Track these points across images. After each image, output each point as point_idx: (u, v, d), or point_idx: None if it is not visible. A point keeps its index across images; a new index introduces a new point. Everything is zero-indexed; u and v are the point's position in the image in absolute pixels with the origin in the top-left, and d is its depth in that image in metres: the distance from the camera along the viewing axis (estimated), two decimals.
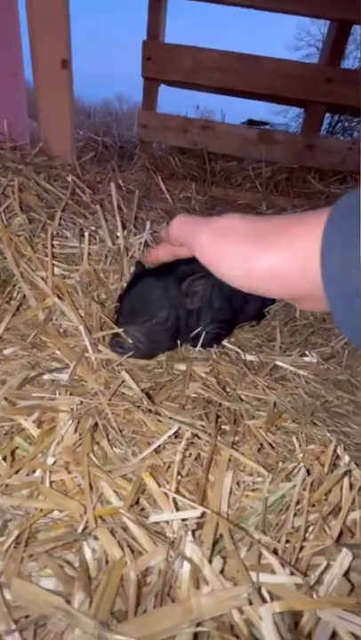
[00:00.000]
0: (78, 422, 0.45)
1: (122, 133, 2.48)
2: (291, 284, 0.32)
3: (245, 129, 2.01)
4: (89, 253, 0.81)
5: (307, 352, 0.79)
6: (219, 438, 0.48)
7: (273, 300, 1.05)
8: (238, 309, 0.88)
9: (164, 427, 0.48)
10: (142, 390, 0.55)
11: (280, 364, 0.74)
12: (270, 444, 0.50)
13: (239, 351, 0.80)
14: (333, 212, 0.28)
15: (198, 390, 0.64)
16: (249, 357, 0.78)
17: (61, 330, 0.65)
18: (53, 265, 0.73)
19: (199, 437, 0.47)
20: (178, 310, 0.72)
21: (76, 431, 0.44)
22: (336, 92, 1.89)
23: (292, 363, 0.74)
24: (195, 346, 0.79)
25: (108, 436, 0.45)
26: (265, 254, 0.32)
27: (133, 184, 1.66)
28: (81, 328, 0.60)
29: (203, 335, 0.77)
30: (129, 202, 1.27)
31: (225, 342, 0.85)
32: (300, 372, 0.72)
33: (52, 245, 0.74)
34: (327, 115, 2.57)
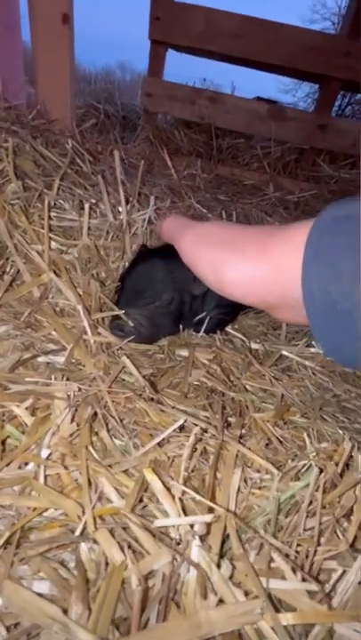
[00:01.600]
0: (76, 410, 0.41)
1: (125, 102, 2.34)
2: (264, 294, 0.31)
3: (256, 103, 1.89)
4: (89, 228, 0.75)
5: (313, 342, 0.76)
6: (226, 432, 0.45)
7: None
8: None
9: (167, 418, 0.45)
10: (144, 377, 0.52)
11: (286, 353, 0.71)
12: (279, 440, 0.47)
13: (244, 339, 0.77)
14: (317, 225, 0.27)
15: (201, 378, 0.61)
16: (254, 345, 0.74)
17: (58, 309, 0.61)
18: (50, 238, 0.68)
19: (205, 431, 0.44)
20: (182, 294, 0.67)
21: (72, 420, 0.40)
22: (354, 68, 1.78)
23: (298, 353, 0.71)
24: (198, 331, 0.75)
25: (107, 425, 0.42)
26: (238, 262, 0.32)
27: (136, 157, 1.57)
28: (79, 308, 0.55)
29: (207, 320, 0.74)
30: (131, 176, 1.19)
31: (229, 329, 0.81)
32: (307, 362, 0.69)
33: (50, 217, 0.68)
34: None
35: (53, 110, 1.45)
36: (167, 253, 0.69)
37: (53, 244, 0.70)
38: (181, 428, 0.46)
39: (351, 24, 1.78)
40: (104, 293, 0.67)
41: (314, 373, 0.68)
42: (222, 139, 2.00)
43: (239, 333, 0.79)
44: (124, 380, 0.52)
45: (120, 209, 0.84)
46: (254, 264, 0.31)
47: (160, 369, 0.60)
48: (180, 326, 0.71)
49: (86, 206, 0.70)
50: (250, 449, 0.44)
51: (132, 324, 0.59)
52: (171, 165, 1.37)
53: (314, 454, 0.43)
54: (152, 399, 0.48)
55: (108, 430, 0.41)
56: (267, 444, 0.46)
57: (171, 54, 2.02)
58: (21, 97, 1.53)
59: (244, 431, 0.49)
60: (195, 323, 0.75)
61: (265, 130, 1.91)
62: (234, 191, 1.72)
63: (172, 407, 0.49)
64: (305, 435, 0.46)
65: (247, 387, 0.59)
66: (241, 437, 0.48)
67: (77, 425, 0.39)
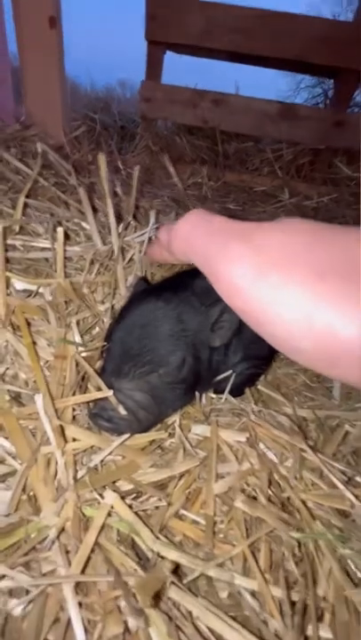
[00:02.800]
0: None
1: (123, 112, 2.19)
2: None
3: (264, 102, 1.71)
4: (67, 258, 0.56)
5: None
6: None
7: None
8: None
9: None
10: (139, 516, 0.31)
11: (350, 429, 0.49)
12: None
13: (284, 401, 0.56)
14: None
15: (231, 482, 0.40)
16: (300, 412, 0.53)
17: (14, 392, 0.40)
18: (8, 277, 0.48)
19: None
20: (198, 349, 0.47)
21: None
22: None
23: None
24: (220, 392, 0.54)
25: None
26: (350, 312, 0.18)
27: (135, 168, 1.40)
28: (37, 399, 0.35)
29: (232, 378, 0.53)
30: (128, 188, 1.01)
31: (260, 385, 0.60)
32: None
33: (6, 247, 0.49)
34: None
35: (42, 120, 1.29)
36: (173, 292, 0.49)
37: (17, 285, 0.51)
38: None
39: None
40: (87, 354, 0.47)
41: None
42: (228, 143, 1.82)
43: (275, 392, 0.58)
44: (110, 531, 0.31)
45: (111, 229, 0.64)
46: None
47: (167, 480, 0.39)
48: (197, 392, 0.51)
49: (60, 230, 0.50)
50: None
51: (123, 411, 0.38)
52: (174, 172, 1.18)
53: None
54: (157, 598, 0.26)
55: None
56: None
57: (169, 59, 1.87)
58: (8, 107, 1.39)
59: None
60: (216, 382, 0.54)
61: (275, 131, 1.72)
62: (244, 199, 1.54)
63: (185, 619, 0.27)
64: None
65: (308, 504, 0.38)
66: None
67: None
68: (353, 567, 0.31)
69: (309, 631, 0.26)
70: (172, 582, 0.26)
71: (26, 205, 0.64)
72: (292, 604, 0.27)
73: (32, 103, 1.32)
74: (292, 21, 1.55)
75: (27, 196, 0.62)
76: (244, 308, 0.22)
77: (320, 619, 0.27)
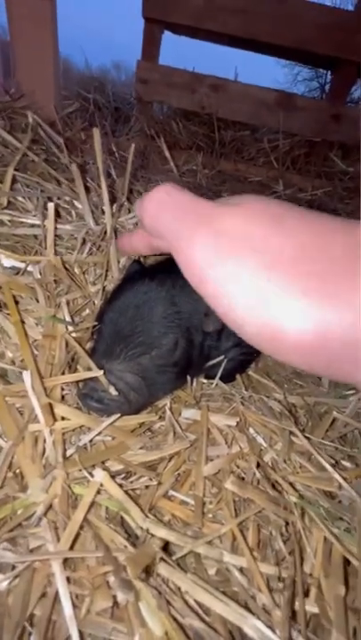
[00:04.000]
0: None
1: (117, 92, 2.12)
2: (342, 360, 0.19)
3: (263, 90, 1.68)
4: (57, 236, 0.54)
5: None
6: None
7: None
8: None
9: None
10: (129, 495, 0.31)
11: (337, 415, 0.50)
12: None
13: (274, 387, 0.56)
14: None
15: (223, 466, 0.40)
16: (290, 399, 0.54)
17: (0, 371, 0.39)
18: None
19: None
20: (191, 333, 0.46)
21: None
22: None
23: (354, 413, 0.51)
24: (211, 377, 0.54)
25: None
26: (314, 307, 0.19)
27: (128, 151, 1.36)
28: (26, 376, 0.34)
29: (223, 363, 0.53)
30: (122, 171, 0.98)
31: (251, 371, 0.61)
32: None
33: None
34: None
35: (33, 94, 1.23)
36: (167, 275, 0.48)
37: (5, 261, 0.49)
38: None
39: None
40: (78, 334, 0.46)
41: None
42: (225, 131, 1.79)
43: (266, 379, 0.58)
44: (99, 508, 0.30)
45: (104, 209, 0.62)
46: (343, 313, 0.18)
47: (157, 462, 0.39)
48: (188, 376, 0.50)
49: (50, 206, 0.48)
50: None
51: (114, 391, 0.38)
52: (170, 157, 1.15)
53: None
54: (147, 574, 0.26)
55: None
56: None
57: (166, 40, 1.81)
58: None
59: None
60: (207, 367, 0.54)
61: (272, 121, 1.71)
62: (239, 189, 1.52)
63: (178, 592, 0.27)
64: None
65: (297, 485, 0.38)
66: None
67: None
68: (339, 546, 0.31)
69: (296, 606, 0.26)
70: (162, 558, 0.26)
71: (14, 180, 0.61)
72: (280, 580, 0.27)
73: (22, 75, 1.26)
74: (293, 7, 1.52)
75: (15, 170, 0.60)
76: (206, 292, 0.23)
77: (306, 594, 0.28)
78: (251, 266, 0.21)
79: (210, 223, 0.23)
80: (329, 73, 2.14)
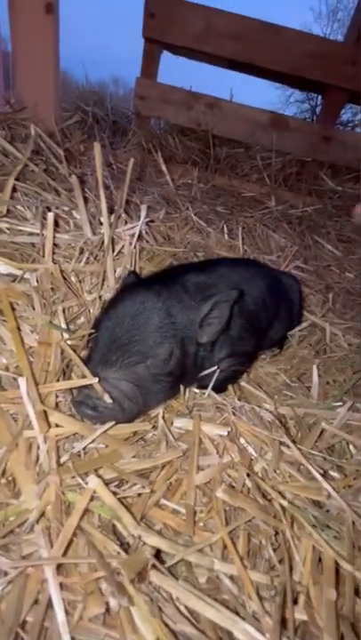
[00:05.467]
0: None
1: (116, 106, 2.17)
2: None
3: (257, 111, 1.75)
4: (56, 245, 0.55)
5: (359, 405, 0.57)
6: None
7: (299, 320, 0.82)
8: (261, 336, 0.65)
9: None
10: (122, 503, 0.31)
11: (326, 426, 0.51)
12: None
13: (265, 397, 0.57)
14: None
15: (212, 474, 0.40)
16: (280, 409, 0.55)
17: None
18: None
19: None
20: (185, 343, 0.47)
21: None
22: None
23: (342, 424, 0.52)
24: (203, 387, 0.55)
25: None
26: None
27: (126, 163, 1.39)
28: (21, 382, 0.34)
29: (216, 374, 0.54)
30: (119, 182, 1.00)
31: (243, 381, 0.62)
32: (358, 441, 0.50)
33: None
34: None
35: (33, 106, 1.26)
36: (162, 286, 0.49)
37: (2, 268, 0.49)
38: None
39: (359, 29, 1.67)
40: (73, 341, 0.47)
41: None
42: (220, 147, 1.84)
43: (258, 389, 0.59)
44: (93, 516, 0.31)
45: (102, 219, 0.64)
46: None
47: (149, 470, 0.39)
48: (181, 386, 0.51)
49: (50, 215, 0.49)
50: None
51: (108, 399, 0.38)
52: (166, 171, 1.18)
53: None
54: (139, 582, 0.26)
55: None
56: None
57: (165, 59, 1.88)
58: None
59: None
60: (200, 377, 0.55)
61: (266, 140, 1.77)
62: (233, 203, 1.57)
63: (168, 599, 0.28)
64: None
65: (286, 494, 0.39)
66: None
67: None
68: (330, 550, 0.32)
69: (285, 613, 0.27)
70: (154, 565, 0.26)
71: (14, 189, 0.62)
72: (269, 587, 0.28)
73: (23, 87, 1.28)
74: (288, 36, 1.60)
75: (15, 179, 0.61)
76: None
77: (295, 601, 0.28)
78: None
79: None
80: (320, 97, 2.24)
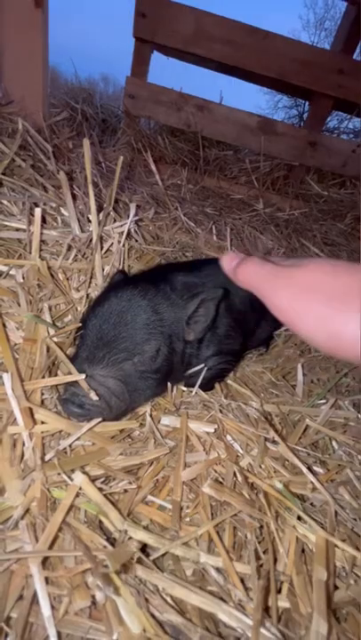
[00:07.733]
0: None
1: (105, 104, 2.15)
2: None
3: (246, 115, 1.78)
4: (43, 241, 0.54)
5: (341, 402, 0.59)
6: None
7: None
8: (248, 335, 0.66)
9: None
10: (108, 499, 0.31)
11: (310, 423, 0.52)
12: None
13: (251, 395, 0.58)
14: None
15: (201, 471, 0.41)
16: (266, 407, 0.56)
17: None
18: None
19: None
20: (172, 340, 0.48)
21: None
22: (346, 87, 1.72)
23: (325, 421, 0.53)
24: (191, 385, 0.55)
25: None
26: (355, 316, 0.26)
27: (115, 162, 1.38)
28: (5, 377, 0.34)
29: (203, 372, 0.54)
30: (108, 180, 1.00)
31: (230, 380, 0.62)
32: (340, 437, 0.51)
33: None
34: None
35: (21, 100, 1.24)
36: (150, 284, 0.49)
37: None
38: None
39: (346, 38, 1.72)
40: (58, 340, 0.46)
41: (350, 452, 0.50)
42: (209, 149, 1.86)
43: (244, 387, 0.60)
44: (78, 512, 0.31)
45: (90, 217, 0.63)
46: None
47: (137, 467, 0.39)
48: (169, 383, 0.51)
49: (37, 211, 0.49)
50: None
51: (95, 396, 0.38)
52: (156, 171, 1.19)
53: None
54: (125, 575, 0.26)
55: None
56: None
57: (155, 59, 1.88)
58: None
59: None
60: (188, 375, 0.55)
61: (254, 143, 1.80)
62: (222, 205, 1.59)
63: (156, 590, 0.28)
64: None
65: (276, 485, 0.39)
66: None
67: None
68: (310, 545, 0.33)
69: (269, 602, 0.27)
70: (139, 558, 0.26)
71: (0, 183, 0.61)
72: (255, 578, 0.28)
73: (11, 81, 1.26)
74: (275, 41, 1.63)
75: (2, 174, 0.60)
76: (286, 320, 0.29)
77: (279, 590, 0.29)
78: (317, 302, 0.27)
79: (289, 279, 0.30)
80: (307, 103, 2.29)
